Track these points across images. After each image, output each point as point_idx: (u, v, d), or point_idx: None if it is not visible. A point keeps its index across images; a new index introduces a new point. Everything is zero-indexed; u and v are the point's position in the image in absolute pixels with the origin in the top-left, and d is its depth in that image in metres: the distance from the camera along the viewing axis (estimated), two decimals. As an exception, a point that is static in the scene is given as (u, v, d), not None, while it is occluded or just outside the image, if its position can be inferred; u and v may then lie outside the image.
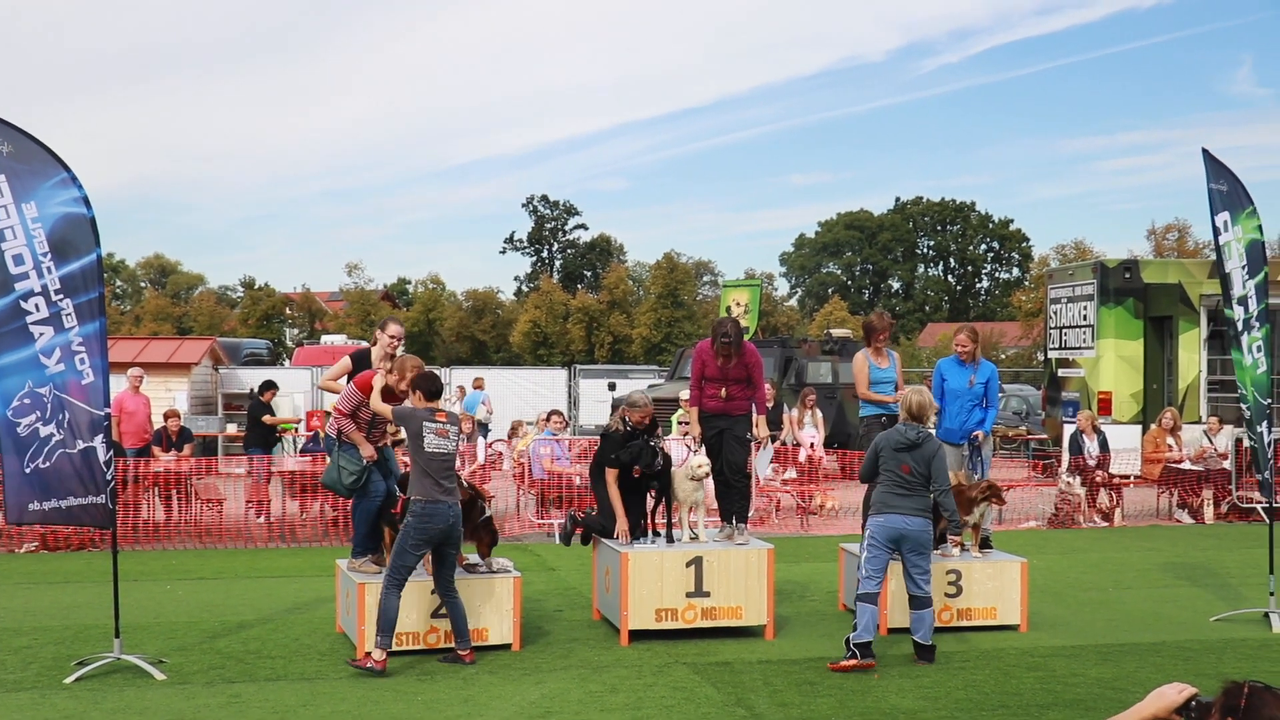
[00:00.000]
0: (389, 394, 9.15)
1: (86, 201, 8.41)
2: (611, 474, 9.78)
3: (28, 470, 8.27)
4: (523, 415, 25.94)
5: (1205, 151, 10.81)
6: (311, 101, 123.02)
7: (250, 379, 27.35)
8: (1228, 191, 10.80)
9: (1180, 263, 23.93)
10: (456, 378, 30.77)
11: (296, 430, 24.51)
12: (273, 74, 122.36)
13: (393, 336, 9.82)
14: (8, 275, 8.20)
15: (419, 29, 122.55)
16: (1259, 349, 10.77)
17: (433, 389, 8.81)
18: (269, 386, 19.38)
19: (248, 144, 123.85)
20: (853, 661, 8.48)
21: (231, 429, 25.72)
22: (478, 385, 27.50)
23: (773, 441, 19.10)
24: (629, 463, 9.64)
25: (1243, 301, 10.75)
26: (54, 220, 8.31)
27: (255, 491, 16.33)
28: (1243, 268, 10.77)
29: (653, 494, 10.06)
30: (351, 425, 9.36)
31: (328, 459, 9.73)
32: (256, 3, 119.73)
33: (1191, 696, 3.65)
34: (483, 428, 24.57)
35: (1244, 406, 10.88)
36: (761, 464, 10.05)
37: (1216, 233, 10.78)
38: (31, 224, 8.24)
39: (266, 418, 18.79)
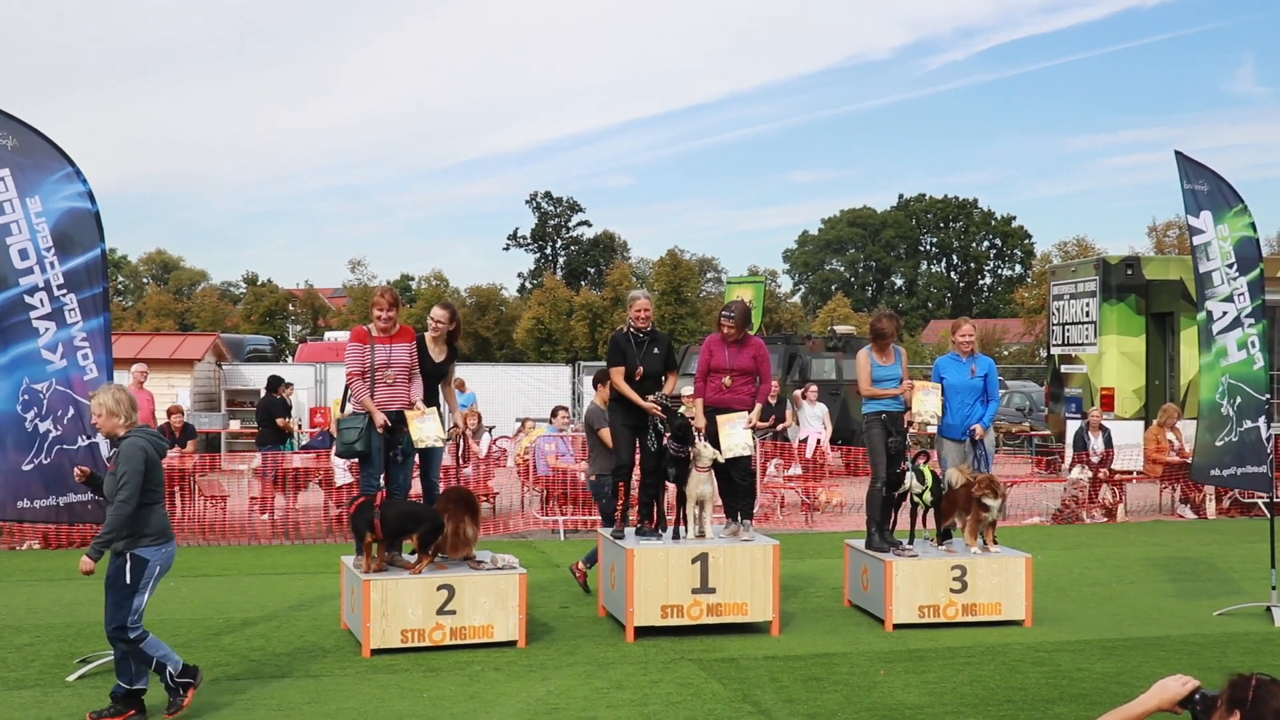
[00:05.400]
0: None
1: (91, 196, 8.42)
2: (617, 372, 10.07)
3: (27, 467, 8.25)
4: (527, 412, 25.74)
5: (1179, 154, 10.81)
6: (314, 97, 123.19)
7: (253, 375, 27.34)
8: (1209, 191, 10.80)
9: (1182, 259, 23.89)
10: (460, 374, 30.60)
11: (301, 428, 24.36)
12: (277, 69, 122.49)
13: (437, 320, 9.95)
14: (12, 270, 8.21)
15: (423, 24, 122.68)
16: (1254, 345, 10.74)
17: None
18: (281, 381, 19.39)
19: (251, 140, 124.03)
20: (193, 693, 7.39)
21: (235, 425, 25.71)
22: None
23: (776, 438, 19.19)
24: (667, 435, 9.74)
25: (1230, 299, 10.73)
26: (58, 215, 8.32)
27: (263, 488, 16.30)
28: (1228, 265, 10.75)
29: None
30: (362, 386, 9.35)
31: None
32: None
33: (1195, 689, 3.67)
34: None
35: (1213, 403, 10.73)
36: (736, 433, 9.94)
37: (1194, 233, 10.80)
38: (35, 218, 8.25)
39: (281, 420, 18.70)
